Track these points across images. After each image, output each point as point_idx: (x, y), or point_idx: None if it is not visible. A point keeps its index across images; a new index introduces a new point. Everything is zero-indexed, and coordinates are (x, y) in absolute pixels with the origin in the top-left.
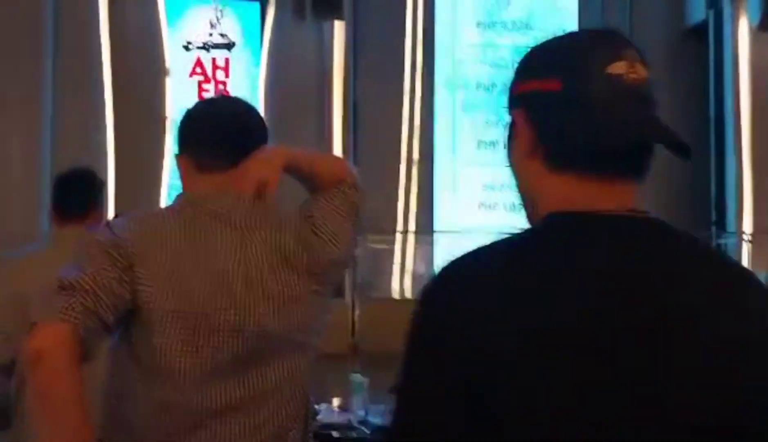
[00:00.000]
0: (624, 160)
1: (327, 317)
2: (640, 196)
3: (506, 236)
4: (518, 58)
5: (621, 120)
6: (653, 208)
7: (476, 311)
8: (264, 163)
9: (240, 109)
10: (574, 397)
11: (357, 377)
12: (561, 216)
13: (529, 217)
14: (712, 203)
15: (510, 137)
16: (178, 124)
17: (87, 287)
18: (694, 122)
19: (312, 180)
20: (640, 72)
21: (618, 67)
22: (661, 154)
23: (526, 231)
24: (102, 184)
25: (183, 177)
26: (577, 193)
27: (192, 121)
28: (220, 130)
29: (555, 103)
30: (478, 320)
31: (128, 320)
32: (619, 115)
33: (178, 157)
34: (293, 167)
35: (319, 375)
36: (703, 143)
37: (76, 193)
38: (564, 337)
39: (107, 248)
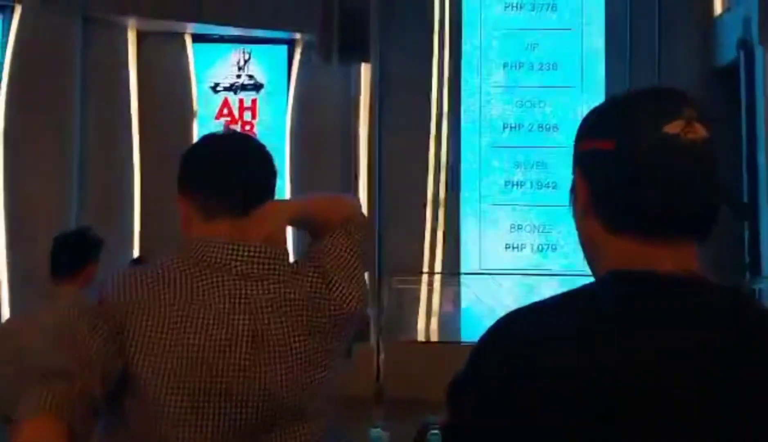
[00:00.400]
0: (679, 221)
1: (338, 378)
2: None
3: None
4: (545, 99)
5: (674, 181)
6: None
7: (526, 371)
8: (270, 219)
9: (252, 150)
10: None
11: (376, 432)
12: (618, 275)
13: (592, 271)
14: (745, 247)
15: (572, 195)
16: (182, 161)
17: (69, 368)
18: (726, 164)
19: (318, 228)
20: (699, 131)
21: (674, 127)
22: None
23: (583, 289)
24: (96, 243)
25: (183, 223)
26: (634, 253)
27: (199, 162)
28: (232, 175)
29: (608, 163)
30: (527, 379)
31: (120, 393)
32: (673, 176)
33: (180, 199)
34: (298, 221)
35: (341, 426)
36: (735, 185)
37: (66, 253)
38: (612, 401)
39: (92, 316)
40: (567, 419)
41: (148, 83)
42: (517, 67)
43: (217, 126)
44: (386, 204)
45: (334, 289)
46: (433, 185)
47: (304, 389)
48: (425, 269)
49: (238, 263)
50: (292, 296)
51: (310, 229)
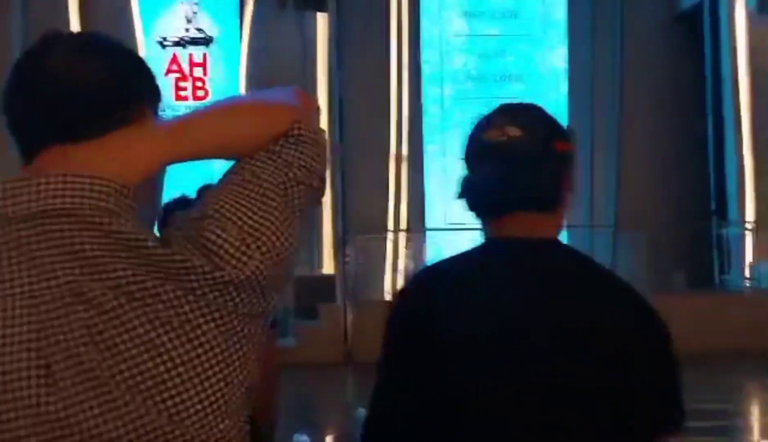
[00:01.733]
0: (507, 201)
1: (250, 374)
2: (543, 221)
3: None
4: (506, 49)
5: (492, 173)
6: (653, 200)
7: (428, 322)
8: (127, 157)
9: (84, 46)
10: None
11: (362, 412)
12: (483, 243)
13: None
14: (711, 193)
15: None
16: None
17: None
18: (691, 109)
19: (234, 157)
20: (510, 133)
21: (491, 134)
22: (657, 148)
23: (471, 250)
24: None
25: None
26: (493, 226)
27: (10, 82)
28: (42, 100)
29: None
30: (429, 327)
31: None
32: (490, 170)
33: None
34: (192, 154)
35: (310, 395)
36: (700, 131)
37: None
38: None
39: None
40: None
41: None
42: (477, 16)
43: (166, 83)
44: (347, 161)
45: (220, 250)
46: (396, 140)
47: (170, 418)
48: (390, 226)
49: (39, 232)
50: (137, 276)
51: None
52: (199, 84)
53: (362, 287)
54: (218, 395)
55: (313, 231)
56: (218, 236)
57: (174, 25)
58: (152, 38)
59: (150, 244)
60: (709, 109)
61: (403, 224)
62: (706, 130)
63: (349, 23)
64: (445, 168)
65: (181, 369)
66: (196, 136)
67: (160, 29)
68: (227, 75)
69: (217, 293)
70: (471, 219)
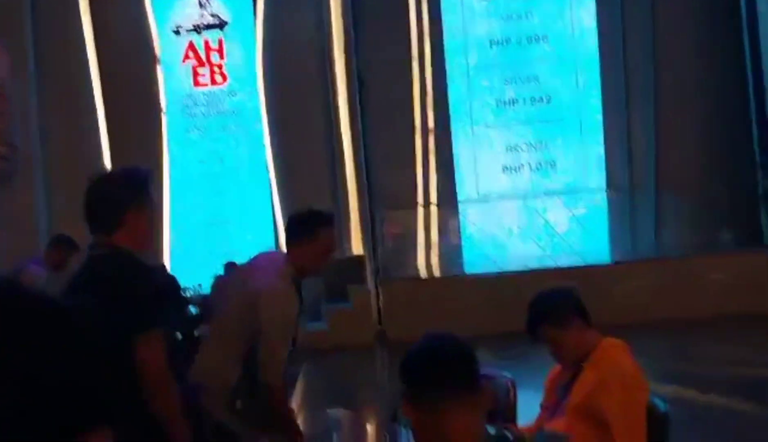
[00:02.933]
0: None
1: None
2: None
3: None
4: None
5: None
6: (694, 156)
7: None
8: None
9: None
10: None
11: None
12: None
13: None
14: (755, 144)
15: None
16: None
17: None
18: (728, 57)
19: None
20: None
21: None
22: (695, 102)
23: None
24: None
25: None
26: None
27: None
28: None
29: None
30: None
31: None
32: None
33: None
34: None
35: (343, 377)
36: (739, 79)
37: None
38: None
39: None
40: None
41: (105, 30)
42: None
43: (184, 70)
44: (372, 136)
45: None
46: (420, 112)
47: None
48: (420, 200)
49: None
50: None
51: None
52: (216, 69)
53: (393, 265)
54: None
55: (339, 210)
56: None
57: (187, 12)
58: (167, 27)
59: None
60: (748, 55)
61: (434, 198)
62: (746, 77)
63: None
64: (474, 138)
65: None
66: None
67: (174, 18)
68: (244, 57)
69: None
70: (504, 187)
